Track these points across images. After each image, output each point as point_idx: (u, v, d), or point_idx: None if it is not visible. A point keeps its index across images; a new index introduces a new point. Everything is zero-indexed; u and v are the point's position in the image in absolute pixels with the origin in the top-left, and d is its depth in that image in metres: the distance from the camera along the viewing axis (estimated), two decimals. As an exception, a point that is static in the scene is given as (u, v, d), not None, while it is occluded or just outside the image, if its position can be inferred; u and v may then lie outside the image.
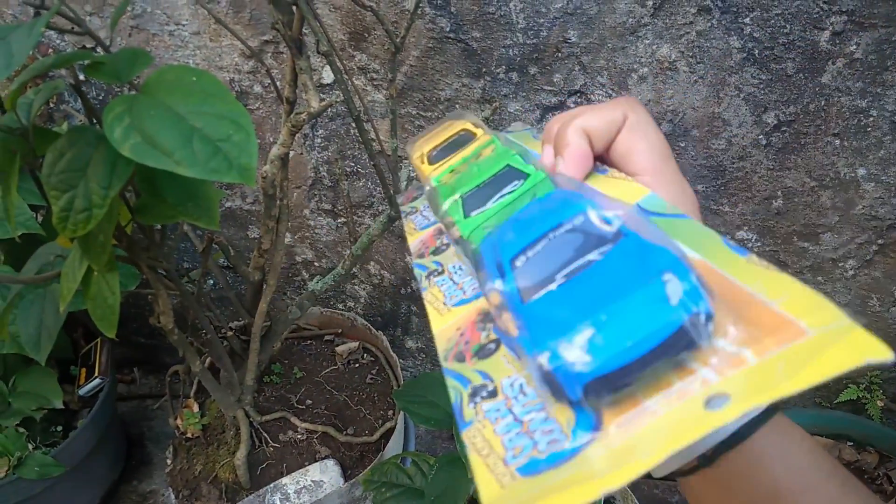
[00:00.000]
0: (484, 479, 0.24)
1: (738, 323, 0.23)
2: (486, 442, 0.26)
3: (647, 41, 0.84)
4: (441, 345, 0.33)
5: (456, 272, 0.38)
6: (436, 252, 0.41)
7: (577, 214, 0.29)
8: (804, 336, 0.21)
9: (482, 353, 0.30)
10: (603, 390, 0.23)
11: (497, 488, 0.23)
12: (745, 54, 0.82)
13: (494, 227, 0.35)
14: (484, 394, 0.28)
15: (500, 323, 0.30)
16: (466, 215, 0.38)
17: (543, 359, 0.24)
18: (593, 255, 0.27)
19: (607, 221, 0.28)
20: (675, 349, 0.23)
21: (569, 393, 0.24)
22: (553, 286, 0.27)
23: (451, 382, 0.29)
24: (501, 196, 0.38)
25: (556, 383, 0.24)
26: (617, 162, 0.37)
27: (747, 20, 0.80)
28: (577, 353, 0.23)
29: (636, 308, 0.23)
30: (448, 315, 0.35)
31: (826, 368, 0.19)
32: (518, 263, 0.29)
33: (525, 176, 0.38)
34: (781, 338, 0.22)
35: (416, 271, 0.41)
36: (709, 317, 0.23)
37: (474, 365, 0.30)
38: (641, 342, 0.22)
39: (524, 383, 0.27)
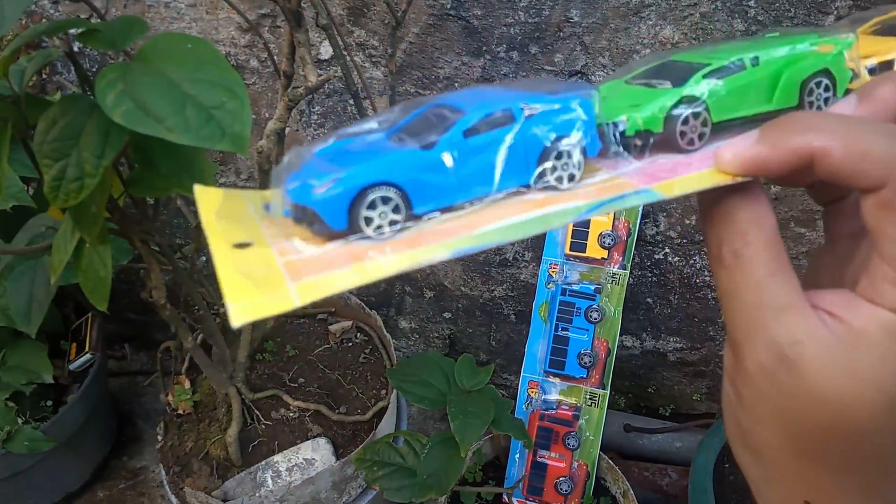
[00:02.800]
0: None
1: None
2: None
3: (650, 22, 0.83)
4: None
5: None
6: None
7: (457, 111, 0.29)
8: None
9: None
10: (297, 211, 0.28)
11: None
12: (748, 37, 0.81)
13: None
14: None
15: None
16: (630, 79, 0.34)
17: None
18: (415, 145, 0.28)
19: (445, 133, 0.28)
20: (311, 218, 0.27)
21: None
22: (394, 140, 0.29)
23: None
24: (647, 85, 0.32)
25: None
26: (865, 222, 0.26)
27: (752, 2, 0.79)
28: (288, 177, 0.29)
29: (312, 178, 0.27)
30: None
31: None
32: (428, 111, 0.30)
33: (678, 84, 0.31)
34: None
35: None
36: (315, 217, 0.26)
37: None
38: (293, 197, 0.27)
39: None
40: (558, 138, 0.29)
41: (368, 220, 0.26)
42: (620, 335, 1.13)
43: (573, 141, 0.29)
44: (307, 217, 0.26)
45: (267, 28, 0.96)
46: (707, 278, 1.04)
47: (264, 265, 0.24)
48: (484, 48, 0.90)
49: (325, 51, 0.95)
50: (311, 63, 0.65)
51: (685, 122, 0.30)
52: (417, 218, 0.27)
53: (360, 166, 0.27)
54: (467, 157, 0.27)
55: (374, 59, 0.95)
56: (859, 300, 0.26)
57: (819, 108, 0.32)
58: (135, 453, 1.30)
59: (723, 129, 0.31)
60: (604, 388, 0.97)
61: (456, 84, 0.94)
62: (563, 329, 0.98)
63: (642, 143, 0.30)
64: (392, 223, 0.26)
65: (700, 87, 0.30)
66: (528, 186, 0.28)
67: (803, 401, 0.26)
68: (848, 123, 0.25)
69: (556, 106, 0.29)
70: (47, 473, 1.10)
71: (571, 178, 0.29)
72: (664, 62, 0.33)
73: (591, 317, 0.96)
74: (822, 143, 0.25)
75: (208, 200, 0.28)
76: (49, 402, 1.08)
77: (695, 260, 1.02)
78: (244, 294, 0.22)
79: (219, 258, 0.24)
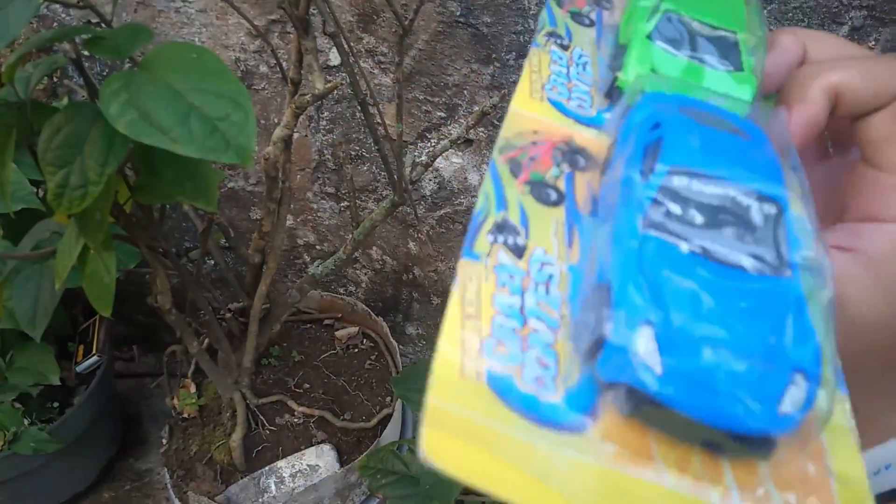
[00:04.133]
0: (449, 342, 0.20)
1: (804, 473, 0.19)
2: (477, 301, 0.21)
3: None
4: (508, 129, 0.26)
5: (578, 64, 0.29)
6: (575, 17, 0.31)
7: (773, 200, 0.21)
8: None
9: (537, 191, 0.23)
10: (632, 405, 0.18)
11: (455, 372, 0.19)
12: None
13: (670, 97, 0.25)
14: (510, 242, 0.22)
15: (582, 201, 0.24)
16: (650, 37, 0.27)
17: (613, 315, 0.19)
18: (747, 263, 0.20)
19: (790, 248, 0.20)
20: (738, 446, 0.18)
21: (601, 371, 0.19)
22: (684, 247, 0.20)
23: (487, 184, 0.23)
24: (699, 61, 0.27)
25: (594, 346, 0.19)
26: (864, 142, 0.28)
27: (765, 13, 0.78)
28: (651, 353, 0.18)
29: (743, 381, 0.18)
30: (537, 105, 0.27)
31: None
32: (674, 181, 0.21)
33: (739, 67, 0.27)
34: None
35: (544, 12, 0.31)
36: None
37: (522, 193, 0.23)
38: (716, 415, 0.17)
39: (554, 277, 0.22)
40: None
41: None
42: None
43: None
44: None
45: (277, 34, 0.96)
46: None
47: None
48: (493, 55, 0.89)
49: (334, 57, 0.95)
50: (318, 70, 0.65)
51: None
52: None
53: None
54: None
55: (382, 66, 0.95)
56: (862, 226, 0.27)
57: None
58: (141, 455, 1.31)
59: None
60: (610, 399, 0.96)
61: (465, 91, 0.93)
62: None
63: None
64: None
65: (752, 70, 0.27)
66: None
67: (845, 331, 0.26)
68: (840, 59, 0.28)
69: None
70: (53, 474, 1.11)
71: None
72: (667, 14, 0.28)
73: (598, 326, 0.95)
74: (842, 80, 0.26)
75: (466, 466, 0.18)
76: (56, 404, 1.08)
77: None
78: None
79: None
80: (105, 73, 1.07)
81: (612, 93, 0.28)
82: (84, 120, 0.48)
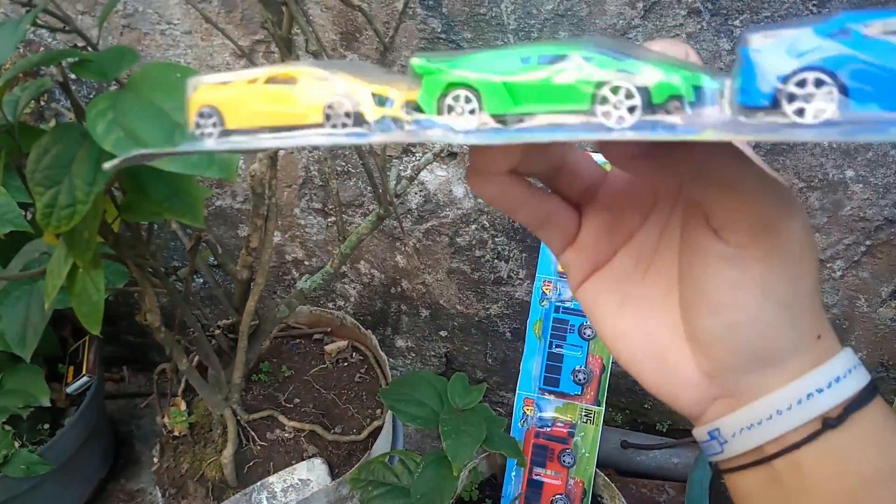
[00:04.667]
0: None
1: None
2: None
3: (638, 43, 0.84)
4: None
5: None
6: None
7: None
8: None
9: None
10: None
11: None
12: (734, 56, 0.82)
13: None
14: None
15: None
16: (588, 59, 0.25)
17: None
18: None
19: None
20: None
21: None
22: None
23: None
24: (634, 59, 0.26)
25: None
26: None
27: (737, 22, 0.80)
28: None
29: None
30: None
31: None
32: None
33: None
34: None
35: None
36: None
37: None
38: None
39: None
40: None
41: None
42: (615, 352, 1.13)
43: None
44: None
45: (261, 53, 0.98)
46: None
47: None
48: (474, 70, 0.91)
49: (318, 74, 0.96)
50: (301, 88, 0.66)
51: None
52: None
53: None
54: None
55: (366, 82, 0.96)
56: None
57: None
58: (132, 475, 1.30)
59: None
60: (599, 405, 0.97)
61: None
62: (558, 346, 0.98)
63: None
64: None
65: None
66: None
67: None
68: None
69: None
70: (45, 497, 1.10)
71: None
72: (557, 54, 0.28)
73: (584, 333, 0.97)
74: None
75: None
76: (46, 426, 1.08)
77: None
78: None
79: None
80: (92, 96, 1.08)
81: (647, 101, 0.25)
82: (71, 140, 0.49)
